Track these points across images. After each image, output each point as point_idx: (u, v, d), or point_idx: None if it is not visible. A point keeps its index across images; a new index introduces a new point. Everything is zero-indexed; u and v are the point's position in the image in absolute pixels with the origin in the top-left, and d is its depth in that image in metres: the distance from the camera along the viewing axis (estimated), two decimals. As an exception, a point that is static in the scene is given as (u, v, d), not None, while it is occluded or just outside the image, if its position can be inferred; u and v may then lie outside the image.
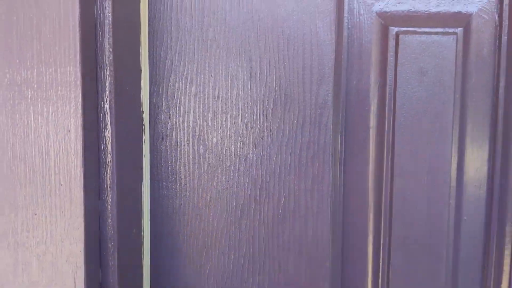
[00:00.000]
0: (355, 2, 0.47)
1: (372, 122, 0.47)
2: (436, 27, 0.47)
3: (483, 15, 0.47)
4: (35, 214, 0.35)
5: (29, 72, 0.33)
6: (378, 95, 0.47)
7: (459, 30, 0.46)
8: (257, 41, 0.46)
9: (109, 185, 0.36)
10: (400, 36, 0.46)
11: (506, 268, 0.49)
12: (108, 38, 0.35)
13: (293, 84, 0.46)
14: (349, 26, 0.47)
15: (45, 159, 0.34)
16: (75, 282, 0.36)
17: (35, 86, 0.33)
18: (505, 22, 0.47)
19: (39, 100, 0.34)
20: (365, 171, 0.48)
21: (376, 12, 0.47)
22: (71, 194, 0.34)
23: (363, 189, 0.48)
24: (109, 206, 0.36)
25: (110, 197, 0.36)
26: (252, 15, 0.46)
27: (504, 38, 0.47)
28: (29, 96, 0.33)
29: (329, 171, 0.47)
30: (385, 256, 0.49)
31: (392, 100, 0.47)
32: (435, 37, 0.46)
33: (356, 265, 0.49)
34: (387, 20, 0.47)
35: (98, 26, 0.35)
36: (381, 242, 0.49)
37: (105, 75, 0.36)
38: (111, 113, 0.36)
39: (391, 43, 0.46)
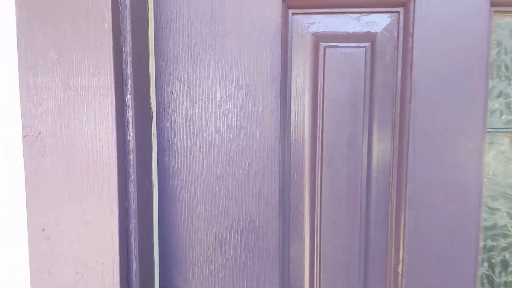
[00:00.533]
0: (298, 26, 0.68)
1: (307, 109, 0.69)
2: (352, 42, 0.67)
3: (385, 33, 0.67)
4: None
5: (83, 79, 0.54)
6: (313, 90, 0.68)
7: (368, 44, 0.67)
8: (228, 55, 0.67)
9: (131, 149, 0.57)
10: (327, 49, 0.67)
11: (402, 210, 0.70)
12: (130, 60, 0.56)
13: (254, 82, 0.67)
14: (293, 42, 0.68)
15: (94, 130, 0.55)
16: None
17: (87, 87, 0.54)
18: (400, 38, 0.67)
19: (89, 96, 0.55)
20: (304, 147, 0.69)
21: (311, 32, 0.68)
22: (109, 151, 0.55)
23: (302, 159, 0.69)
24: (131, 162, 0.57)
25: (132, 157, 0.58)
26: (224, 38, 0.67)
27: (400, 49, 0.67)
28: (83, 94, 0.55)
29: (279, 150, 0.68)
30: (318, 203, 0.70)
31: (321, 94, 0.68)
32: (351, 49, 0.67)
33: (298, 208, 0.71)
34: (318, 38, 0.68)
35: (124, 51, 0.56)
36: (315, 193, 0.70)
37: (128, 79, 0.57)
38: (132, 104, 0.57)
39: (321, 54, 0.67)
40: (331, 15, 0.67)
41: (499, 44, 0.69)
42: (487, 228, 0.73)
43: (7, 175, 0.59)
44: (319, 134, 0.69)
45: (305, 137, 0.69)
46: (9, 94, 0.57)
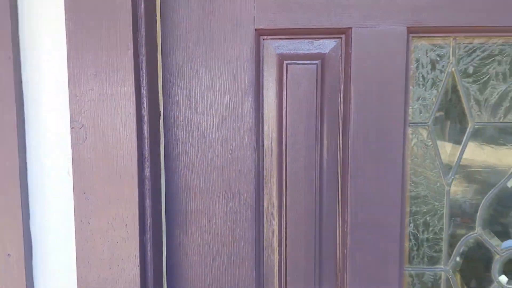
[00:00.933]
0: (267, 48, 0.92)
1: (275, 109, 0.93)
2: (307, 60, 0.91)
3: (332, 53, 0.92)
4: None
5: (113, 88, 0.79)
6: (279, 95, 0.93)
7: (318, 61, 0.91)
8: (216, 69, 0.91)
9: (146, 137, 0.82)
10: (288, 65, 0.91)
11: (347, 181, 0.94)
12: (145, 75, 0.80)
13: (236, 89, 0.91)
14: (264, 60, 0.92)
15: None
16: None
17: (115, 94, 0.79)
18: (343, 57, 0.91)
19: (118, 100, 0.79)
20: (273, 137, 0.93)
21: (277, 53, 0.92)
22: (131, 138, 0.79)
23: (271, 146, 0.94)
24: (146, 146, 0.82)
25: (147, 143, 0.82)
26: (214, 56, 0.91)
27: (342, 65, 0.91)
28: (113, 99, 0.79)
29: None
30: (284, 174, 0.95)
31: (285, 98, 0.92)
32: (306, 66, 0.91)
33: (269, 179, 0.95)
34: (282, 57, 0.92)
35: (141, 69, 0.80)
36: (282, 168, 0.94)
37: (144, 89, 0.81)
38: (146, 106, 0.82)
39: (284, 69, 0.91)
40: (292, 40, 0.92)
41: (417, 60, 0.93)
42: (412, 197, 0.97)
43: (60, 155, 0.83)
44: (284, 127, 0.93)
45: (274, 130, 0.94)
46: (61, 99, 0.82)
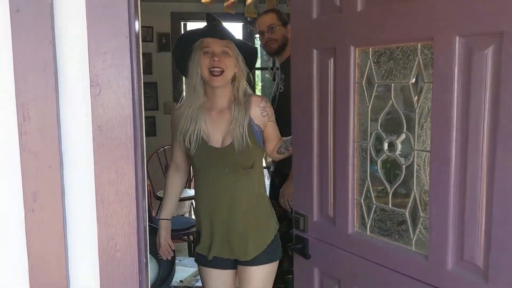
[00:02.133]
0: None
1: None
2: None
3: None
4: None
5: (116, 63, 1.30)
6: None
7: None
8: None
9: (136, 91, 1.34)
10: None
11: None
12: (135, 56, 1.32)
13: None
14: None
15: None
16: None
17: (118, 65, 1.30)
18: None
19: (120, 71, 1.30)
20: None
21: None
22: (128, 87, 1.31)
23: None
24: (137, 99, 1.34)
25: (137, 95, 1.34)
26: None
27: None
28: (117, 69, 1.30)
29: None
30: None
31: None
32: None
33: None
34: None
35: (132, 51, 1.32)
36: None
37: (133, 63, 1.33)
38: (136, 74, 1.34)
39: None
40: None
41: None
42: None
43: (81, 104, 1.34)
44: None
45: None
46: (83, 69, 1.32)
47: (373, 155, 1.81)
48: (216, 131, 2.33)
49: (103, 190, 1.32)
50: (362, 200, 1.89)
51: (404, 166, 1.73)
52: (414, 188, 1.70)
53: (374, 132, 1.81)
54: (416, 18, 1.54)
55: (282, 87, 3.27)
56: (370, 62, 1.77)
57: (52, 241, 1.30)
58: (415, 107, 1.66)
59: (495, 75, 1.40)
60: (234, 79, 2.31)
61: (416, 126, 1.66)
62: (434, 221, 1.62)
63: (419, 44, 1.59)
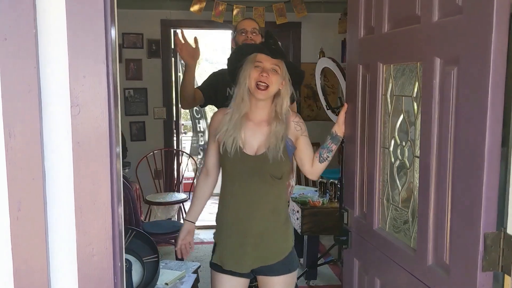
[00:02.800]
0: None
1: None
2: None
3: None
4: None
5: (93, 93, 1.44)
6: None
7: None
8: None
9: (112, 109, 1.48)
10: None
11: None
12: (111, 79, 1.47)
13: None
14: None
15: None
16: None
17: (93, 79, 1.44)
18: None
19: (98, 92, 1.45)
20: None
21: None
22: (105, 106, 1.46)
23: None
24: (113, 118, 1.48)
25: (113, 114, 1.48)
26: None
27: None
28: (95, 92, 1.45)
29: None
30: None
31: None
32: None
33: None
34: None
35: (108, 74, 1.47)
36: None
37: (110, 84, 1.47)
38: (113, 94, 1.48)
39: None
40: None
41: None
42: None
43: (62, 122, 1.48)
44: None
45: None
46: (64, 91, 1.46)
47: (392, 159, 2.07)
48: (252, 140, 2.48)
49: (81, 200, 1.46)
50: (384, 200, 2.13)
51: (408, 171, 1.98)
52: (414, 191, 1.93)
53: (392, 139, 2.06)
54: (413, 42, 1.83)
55: None
56: (391, 77, 2.04)
57: (34, 247, 1.44)
58: (415, 117, 1.91)
59: (457, 92, 1.62)
60: (277, 95, 2.48)
61: (416, 135, 1.90)
62: (420, 222, 1.84)
63: (418, 63, 1.84)
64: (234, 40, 3.85)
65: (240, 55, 2.50)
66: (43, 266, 1.45)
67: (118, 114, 1.57)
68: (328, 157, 2.54)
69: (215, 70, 4.07)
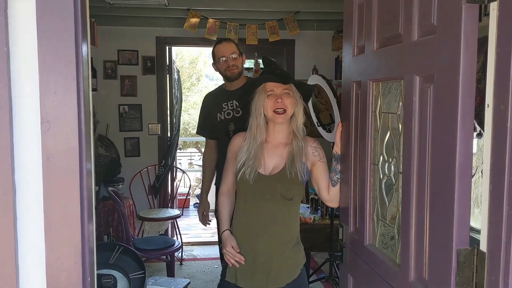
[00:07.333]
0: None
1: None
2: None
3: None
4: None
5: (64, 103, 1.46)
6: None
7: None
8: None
9: (83, 126, 1.50)
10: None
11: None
12: (82, 95, 1.49)
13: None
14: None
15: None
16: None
17: (64, 95, 1.46)
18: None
19: (66, 100, 1.46)
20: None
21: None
22: (75, 123, 1.47)
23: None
24: (83, 132, 1.50)
25: (84, 129, 1.50)
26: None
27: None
28: (66, 108, 1.46)
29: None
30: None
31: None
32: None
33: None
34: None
35: (79, 90, 1.49)
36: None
37: (81, 101, 1.49)
38: (83, 110, 1.50)
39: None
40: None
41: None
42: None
43: (34, 138, 1.50)
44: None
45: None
46: (35, 107, 1.48)
47: (381, 175, 2.08)
48: (268, 161, 2.56)
49: (50, 215, 1.47)
50: (374, 216, 2.14)
51: (393, 187, 1.98)
52: (399, 207, 1.93)
53: (381, 156, 2.07)
54: (397, 60, 1.89)
55: (239, 111, 3.55)
56: (380, 94, 2.07)
57: (3, 261, 1.44)
58: (399, 134, 1.93)
59: (433, 109, 1.64)
60: (292, 115, 2.57)
61: (400, 152, 1.91)
62: (403, 238, 1.84)
63: (402, 81, 1.87)
64: (216, 66, 3.68)
65: (252, 89, 2.58)
66: (12, 281, 1.45)
67: (90, 130, 1.59)
68: (338, 179, 2.52)
69: (211, 89, 4.11)
